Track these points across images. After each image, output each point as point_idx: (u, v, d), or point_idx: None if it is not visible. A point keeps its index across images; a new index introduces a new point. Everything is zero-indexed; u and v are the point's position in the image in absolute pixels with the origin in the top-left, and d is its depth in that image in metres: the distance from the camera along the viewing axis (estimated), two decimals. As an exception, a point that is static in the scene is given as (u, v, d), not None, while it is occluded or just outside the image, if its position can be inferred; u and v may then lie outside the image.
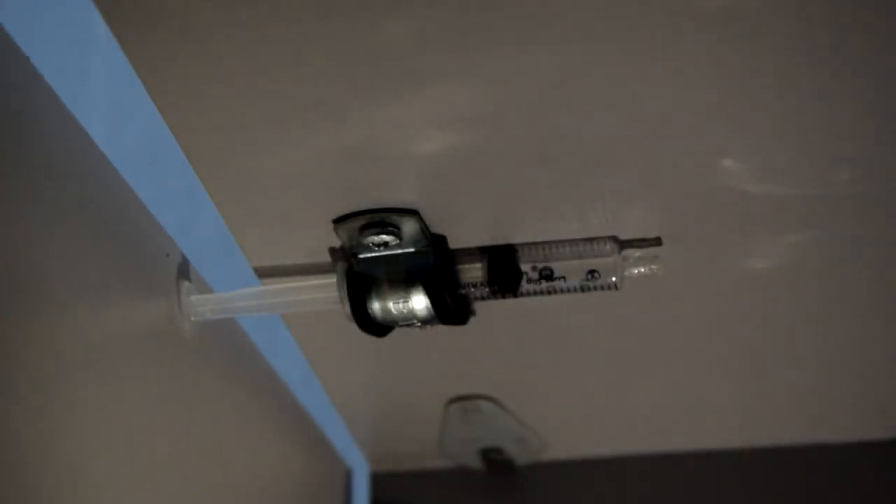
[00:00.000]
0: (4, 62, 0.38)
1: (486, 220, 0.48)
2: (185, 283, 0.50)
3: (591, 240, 0.48)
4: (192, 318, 0.50)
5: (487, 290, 0.49)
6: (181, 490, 0.48)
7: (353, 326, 0.49)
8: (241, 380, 0.59)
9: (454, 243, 0.49)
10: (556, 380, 0.65)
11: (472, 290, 0.49)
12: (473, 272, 0.49)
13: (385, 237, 0.47)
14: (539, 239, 0.49)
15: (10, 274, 0.36)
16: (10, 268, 0.36)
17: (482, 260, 0.49)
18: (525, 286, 0.49)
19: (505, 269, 0.48)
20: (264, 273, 0.52)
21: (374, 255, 0.48)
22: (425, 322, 0.49)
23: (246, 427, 0.59)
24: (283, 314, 0.55)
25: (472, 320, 0.52)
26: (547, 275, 0.49)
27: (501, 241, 0.49)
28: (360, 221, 0.47)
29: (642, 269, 0.49)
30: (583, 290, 0.49)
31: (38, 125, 0.39)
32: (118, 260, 0.44)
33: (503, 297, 0.49)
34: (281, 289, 0.50)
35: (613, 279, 0.48)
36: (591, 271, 0.48)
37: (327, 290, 0.49)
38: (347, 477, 0.79)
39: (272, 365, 0.63)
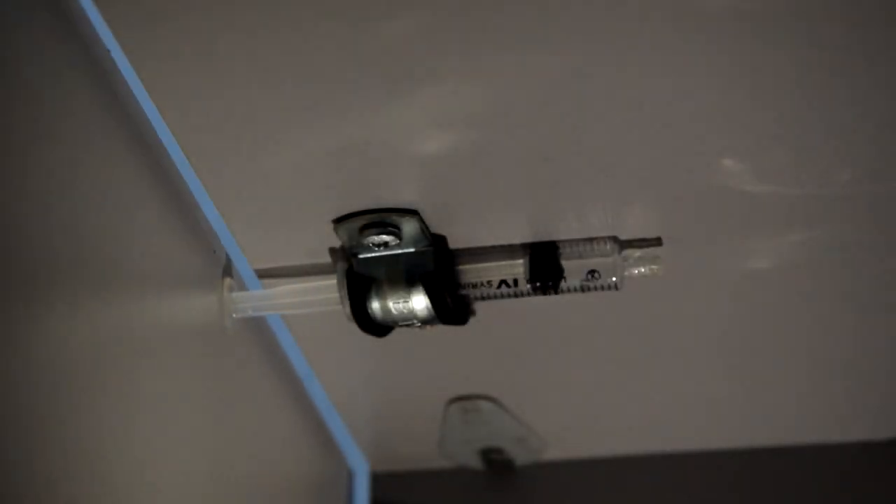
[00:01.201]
0: (111, 84, 0.40)
1: (487, 219, 0.48)
2: (228, 280, 0.50)
3: (591, 240, 0.48)
4: (234, 315, 0.50)
5: (529, 286, 0.49)
6: (209, 480, 0.49)
7: (353, 326, 0.49)
8: (269, 377, 0.60)
9: (454, 243, 0.49)
10: (556, 380, 0.65)
11: (508, 287, 0.49)
12: (514, 269, 0.49)
13: (385, 237, 0.47)
14: (539, 239, 0.49)
15: (96, 259, 0.38)
16: (97, 253, 0.38)
17: (523, 256, 0.49)
18: (525, 286, 0.49)
19: (547, 265, 0.48)
20: (264, 274, 0.52)
21: (374, 255, 0.48)
22: (425, 322, 0.49)
23: (270, 423, 0.61)
24: (283, 314, 0.55)
25: (472, 320, 0.52)
26: (547, 275, 0.49)
27: (503, 242, 0.49)
28: (360, 221, 0.47)
29: (642, 269, 0.49)
30: (583, 290, 0.49)
31: (126, 118, 0.41)
32: (179, 254, 0.46)
33: (544, 293, 0.49)
34: (317, 286, 0.50)
35: (613, 279, 0.48)
36: (591, 271, 0.48)
37: (324, 291, 0.50)
38: (349, 478, 0.79)
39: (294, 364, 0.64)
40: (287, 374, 0.63)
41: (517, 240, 0.49)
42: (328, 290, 0.50)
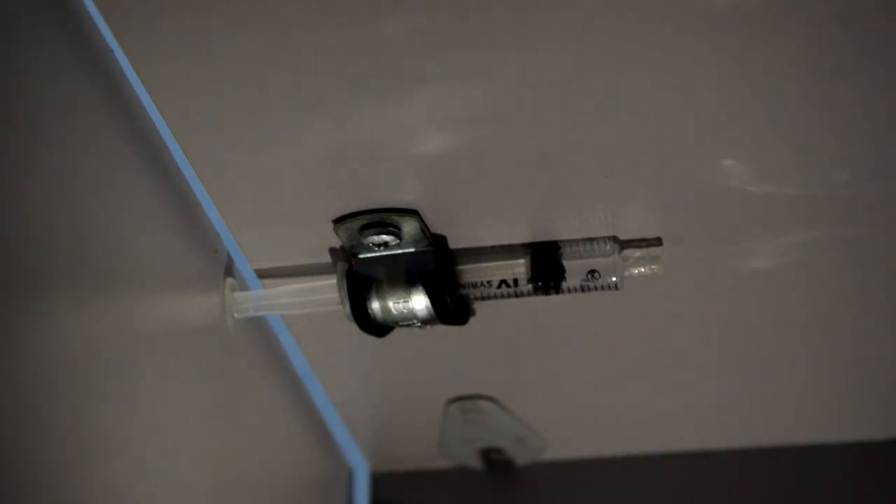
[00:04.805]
0: (107, 74, 0.40)
1: (486, 219, 0.48)
2: (230, 280, 0.50)
3: (591, 240, 0.48)
4: (236, 315, 0.50)
5: (530, 286, 0.49)
6: (210, 483, 0.49)
7: (353, 326, 0.49)
8: (270, 377, 0.60)
9: (454, 243, 0.49)
10: (556, 380, 0.65)
11: (508, 287, 0.49)
12: (514, 269, 0.49)
13: (385, 237, 0.47)
14: (539, 239, 0.49)
15: (98, 259, 0.38)
16: (99, 253, 0.38)
17: (525, 256, 0.49)
18: (525, 286, 0.49)
19: (548, 265, 0.48)
20: (264, 274, 0.52)
21: (374, 255, 0.48)
22: (425, 322, 0.49)
23: (271, 423, 0.61)
24: (283, 314, 0.55)
25: (472, 320, 0.52)
26: (547, 275, 0.49)
27: (503, 242, 0.49)
28: (360, 221, 0.47)
29: (642, 269, 0.49)
30: (583, 290, 0.49)
31: (128, 118, 0.42)
32: (180, 253, 0.46)
33: (545, 293, 0.49)
34: (318, 286, 0.50)
35: (613, 279, 0.48)
36: (591, 271, 0.48)
37: (324, 291, 0.50)
38: (349, 477, 0.79)
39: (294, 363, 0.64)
40: (288, 374, 0.63)
41: (517, 240, 0.49)
42: (328, 290, 0.50)
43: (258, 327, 0.57)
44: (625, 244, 0.49)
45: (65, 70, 0.37)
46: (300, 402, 0.66)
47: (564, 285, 0.48)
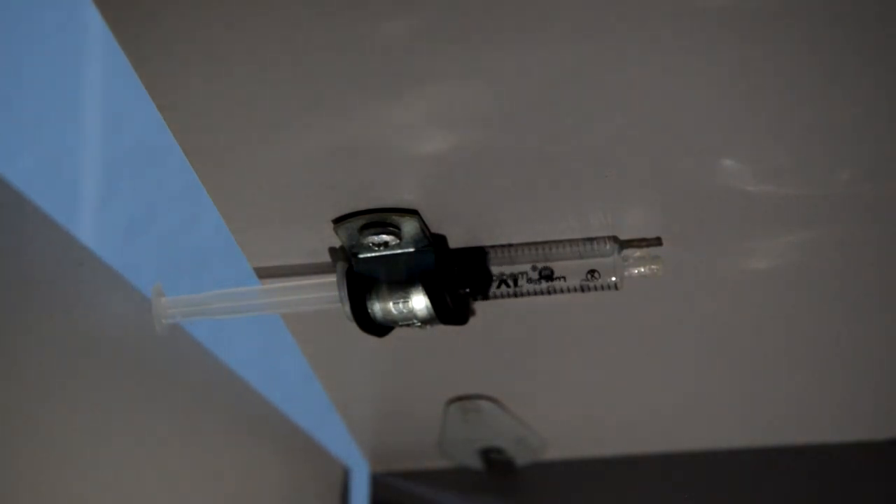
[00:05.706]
0: None
1: (486, 219, 0.48)
2: (158, 285, 0.49)
3: (591, 240, 0.48)
4: (164, 321, 0.49)
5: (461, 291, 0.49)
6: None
7: (353, 326, 0.49)
8: (215, 385, 0.58)
9: (454, 243, 0.49)
10: (556, 380, 0.65)
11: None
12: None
13: (385, 237, 0.47)
14: (539, 239, 0.49)
15: None
16: None
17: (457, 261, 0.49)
18: (525, 286, 0.49)
19: (476, 271, 0.48)
20: (264, 273, 0.51)
21: (374, 255, 0.48)
22: (425, 322, 0.49)
23: (232, 430, 0.59)
24: (283, 314, 0.55)
25: (472, 320, 0.52)
26: (547, 275, 0.49)
27: (503, 242, 0.49)
28: (360, 221, 0.47)
29: (642, 269, 0.49)
30: (583, 290, 0.49)
31: None
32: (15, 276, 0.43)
33: (474, 300, 0.49)
34: (269, 289, 0.50)
35: (613, 279, 0.48)
36: (591, 271, 0.48)
37: (324, 290, 0.49)
38: (345, 476, 0.79)
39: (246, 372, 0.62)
40: (240, 387, 0.61)
41: (517, 240, 0.49)
42: (323, 289, 0.49)
43: (193, 346, 0.56)
44: (625, 244, 0.49)
45: None
46: (259, 413, 0.64)
47: (491, 291, 0.48)
